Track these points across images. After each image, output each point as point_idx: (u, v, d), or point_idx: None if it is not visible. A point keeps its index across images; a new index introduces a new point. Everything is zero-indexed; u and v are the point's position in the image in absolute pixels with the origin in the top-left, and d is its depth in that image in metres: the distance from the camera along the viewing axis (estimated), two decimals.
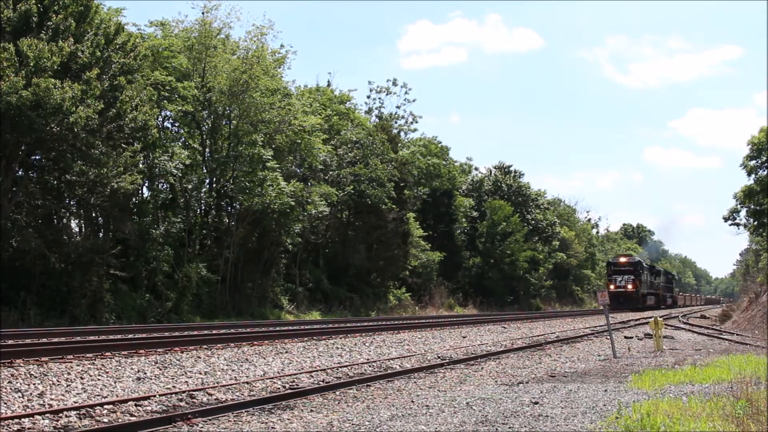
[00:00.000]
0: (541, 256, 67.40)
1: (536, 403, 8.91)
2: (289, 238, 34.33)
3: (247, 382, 10.49)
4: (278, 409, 8.68)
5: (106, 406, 8.23)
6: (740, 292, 64.06)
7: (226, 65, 31.93)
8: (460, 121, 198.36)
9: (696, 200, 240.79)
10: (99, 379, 9.96)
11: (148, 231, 27.01)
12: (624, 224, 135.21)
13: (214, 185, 32.35)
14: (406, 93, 61.81)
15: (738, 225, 39.99)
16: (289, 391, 9.88)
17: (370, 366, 13.13)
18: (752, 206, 37.89)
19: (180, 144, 31.99)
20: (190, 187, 30.54)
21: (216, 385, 10.10)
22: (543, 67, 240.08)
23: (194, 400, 9.10)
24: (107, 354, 12.19)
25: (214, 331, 18.86)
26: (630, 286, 53.22)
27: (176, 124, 33.39)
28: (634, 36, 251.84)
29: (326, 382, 10.90)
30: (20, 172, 23.14)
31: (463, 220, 60.58)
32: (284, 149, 34.99)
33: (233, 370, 11.60)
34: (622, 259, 57.31)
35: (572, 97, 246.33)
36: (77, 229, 26.55)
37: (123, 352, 12.49)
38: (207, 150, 32.85)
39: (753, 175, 37.26)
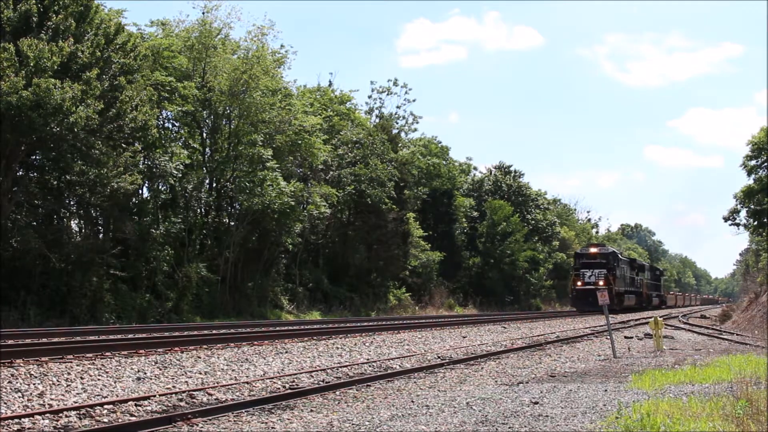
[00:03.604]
0: (541, 256, 67.42)
1: (536, 403, 8.90)
2: (289, 238, 34.36)
3: (247, 382, 10.48)
4: (278, 409, 8.67)
5: (106, 406, 8.23)
6: (740, 292, 64.10)
7: (226, 65, 31.96)
8: (460, 121, 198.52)
9: (696, 200, 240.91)
10: (99, 379, 9.96)
11: (148, 231, 27.00)
12: (622, 224, 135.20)
13: (214, 185, 32.35)
14: (406, 93, 61.79)
15: (738, 225, 40.15)
16: (289, 391, 9.87)
17: (370, 366, 13.12)
18: (752, 206, 37.98)
19: (180, 144, 31.97)
20: (190, 187, 30.53)
21: (216, 385, 10.10)
22: (543, 65, 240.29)
23: (194, 400, 9.10)
24: (107, 354, 12.20)
25: (214, 331, 18.87)
26: (601, 283, 43.67)
27: (176, 124, 33.40)
28: (633, 34, 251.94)
29: (326, 382, 10.89)
30: (20, 172, 23.15)
31: (463, 220, 60.58)
32: (284, 149, 35.00)
33: (233, 370, 11.60)
34: (593, 250, 48.67)
35: (572, 95, 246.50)
36: (77, 229, 26.56)
37: (123, 352, 12.50)
38: (207, 150, 32.86)
39: (753, 175, 37.36)
